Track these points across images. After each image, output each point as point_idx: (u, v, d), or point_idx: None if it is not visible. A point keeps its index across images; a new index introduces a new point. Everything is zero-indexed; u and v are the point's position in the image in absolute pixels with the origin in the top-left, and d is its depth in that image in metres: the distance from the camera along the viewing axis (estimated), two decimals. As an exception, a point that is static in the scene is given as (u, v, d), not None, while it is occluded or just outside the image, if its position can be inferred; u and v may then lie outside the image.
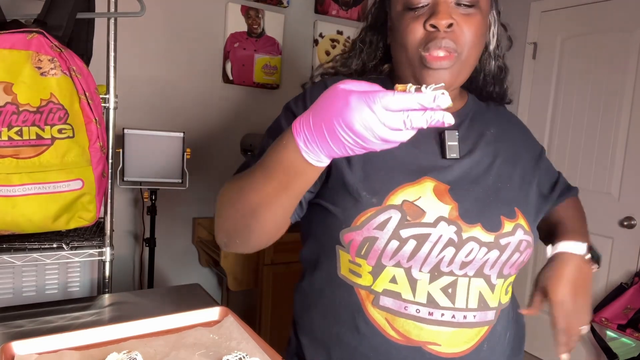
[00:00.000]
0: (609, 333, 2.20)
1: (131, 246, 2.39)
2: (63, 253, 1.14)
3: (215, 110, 2.53)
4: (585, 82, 2.45)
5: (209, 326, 0.79)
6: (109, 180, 1.16)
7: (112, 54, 1.17)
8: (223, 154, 2.55)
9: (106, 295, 1.12)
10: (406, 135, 0.48)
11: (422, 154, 0.74)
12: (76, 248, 1.17)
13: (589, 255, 0.80)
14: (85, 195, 1.00)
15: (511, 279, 0.78)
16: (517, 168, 0.79)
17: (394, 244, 0.67)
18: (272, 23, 2.60)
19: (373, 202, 0.68)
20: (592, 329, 2.29)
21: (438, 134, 0.76)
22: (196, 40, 2.44)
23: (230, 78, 2.53)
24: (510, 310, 0.80)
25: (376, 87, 0.49)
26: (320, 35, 2.78)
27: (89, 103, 0.99)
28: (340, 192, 0.70)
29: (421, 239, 0.68)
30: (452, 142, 0.75)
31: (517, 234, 0.73)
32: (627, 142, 2.29)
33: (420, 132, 0.71)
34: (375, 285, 0.71)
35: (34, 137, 0.93)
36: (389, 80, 0.83)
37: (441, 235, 0.68)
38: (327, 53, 2.80)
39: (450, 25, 0.68)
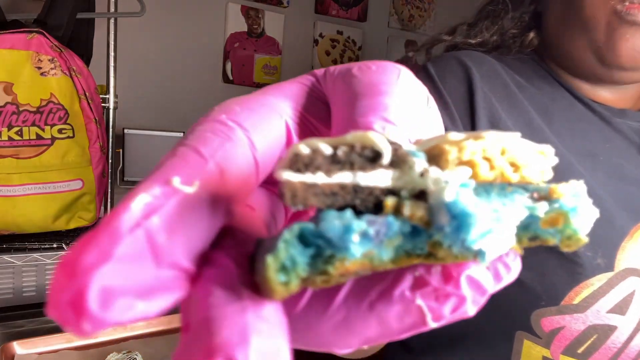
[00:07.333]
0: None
1: (131, 246, 2.39)
2: (63, 253, 1.14)
3: (215, 110, 2.53)
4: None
5: (209, 326, 0.79)
6: (109, 180, 1.16)
7: (112, 54, 1.17)
8: (223, 154, 2.55)
9: (106, 295, 1.12)
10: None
11: (636, 189, 0.47)
12: (76, 248, 1.17)
13: None
14: (85, 195, 1.00)
15: None
16: None
17: (637, 340, 0.42)
18: (272, 23, 2.60)
19: (599, 264, 0.43)
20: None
21: None
22: (196, 40, 2.44)
23: (230, 78, 2.53)
24: None
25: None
26: (320, 35, 2.78)
27: (89, 103, 0.99)
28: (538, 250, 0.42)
29: None
30: None
31: None
32: (627, 142, 2.29)
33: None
34: None
35: (34, 137, 0.93)
36: (537, 62, 0.57)
37: None
38: (327, 53, 2.80)
39: None
